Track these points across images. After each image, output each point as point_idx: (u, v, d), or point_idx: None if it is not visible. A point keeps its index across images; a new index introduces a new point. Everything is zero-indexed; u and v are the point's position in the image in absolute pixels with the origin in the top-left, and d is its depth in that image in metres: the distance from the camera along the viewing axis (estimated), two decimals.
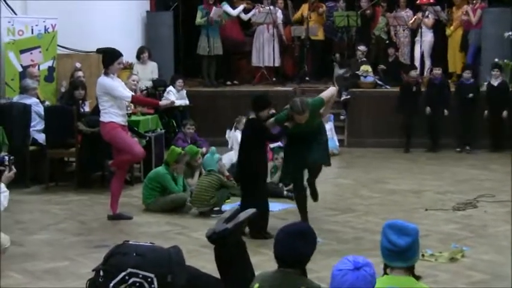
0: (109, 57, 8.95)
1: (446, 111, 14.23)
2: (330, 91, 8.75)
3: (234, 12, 16.66)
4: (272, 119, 8.44)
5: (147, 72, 15.27)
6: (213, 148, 10.40)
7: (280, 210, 9.57)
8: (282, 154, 10.80)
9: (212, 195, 9.42)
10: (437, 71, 14.72)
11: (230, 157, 11.66)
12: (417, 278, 3.93)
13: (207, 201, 9.42)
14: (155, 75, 15.34)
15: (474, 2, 15.94)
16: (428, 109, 14.28)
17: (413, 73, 14.70)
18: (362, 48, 15.87)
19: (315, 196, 8.92)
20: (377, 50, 17.01)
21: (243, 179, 8.55)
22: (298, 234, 4.21)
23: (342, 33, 16.91)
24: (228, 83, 16.70)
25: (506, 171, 11.80)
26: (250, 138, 8.44)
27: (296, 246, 4.16)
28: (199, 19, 16.03)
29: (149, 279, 4.49)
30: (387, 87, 15.40)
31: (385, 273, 3.86)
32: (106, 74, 8.89)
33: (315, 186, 8.88)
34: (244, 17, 16.99)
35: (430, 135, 14.45)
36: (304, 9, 16.93)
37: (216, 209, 9.42)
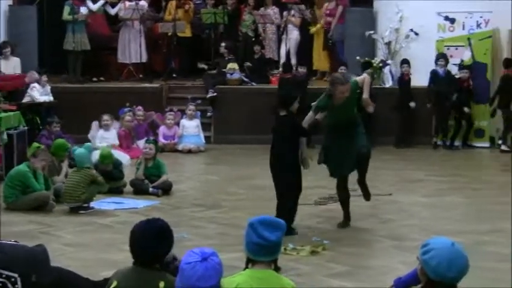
0: None
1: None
2: (362, 76, 8.93)
3: (94, 7, 16.39)
4: (313, 107, 8.45)
5: (10, 68, 14.90)
6: (88, 144, 10.28)
7: (145, 207, 9.56)
8: (152, 144, 10.80)
9: (83, 190, 9.41)
10: (302, 69, 14.99)
11: (95, 155, 11.60)
12: (277, 269, 4.02)
13: (78, 197, 9.40)
14: (18, 71, 14.98)
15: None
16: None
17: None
18: (223, 45, 16.04)
19: (367, 196, 8.90)
20: (244, 47, 17.20)
21: (277, 174, 8.50)
22: (154, 233, 4.10)
23: (209, 30, 17.02)
24: (94, 79, 16.48)
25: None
26: (287, 134, 8.36)
27: (152, 245, 4.07)
28: (66, 15, 15.75)
29: (12, 279, 4.42)
30: (253, 84, 15.60)
31: (246, 267, 3.92)
32: None
33: (366, 186, 8.83)
34: (112, 11, 16.79)
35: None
36: (172, 6, 16.94)
37: (85, 205, 9.42)
